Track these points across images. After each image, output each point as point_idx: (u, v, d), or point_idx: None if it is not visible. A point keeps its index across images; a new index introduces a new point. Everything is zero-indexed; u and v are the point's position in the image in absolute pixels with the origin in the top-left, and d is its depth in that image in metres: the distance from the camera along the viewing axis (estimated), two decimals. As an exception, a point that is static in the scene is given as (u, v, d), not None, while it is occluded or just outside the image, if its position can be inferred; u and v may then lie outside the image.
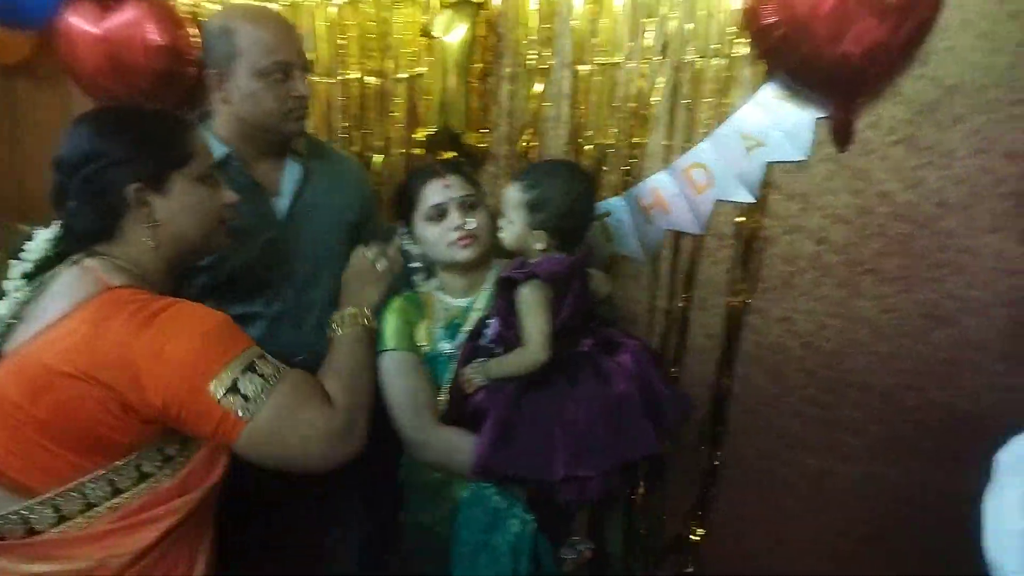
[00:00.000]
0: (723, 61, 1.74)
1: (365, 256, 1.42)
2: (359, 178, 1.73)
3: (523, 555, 1.43)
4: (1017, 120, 1.58)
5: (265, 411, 0.99)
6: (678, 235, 1.87)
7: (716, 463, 1.97)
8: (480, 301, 1.52)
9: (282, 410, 1.00)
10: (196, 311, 1.02)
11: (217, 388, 0.96)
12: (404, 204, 1.54)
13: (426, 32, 1.86)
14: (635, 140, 1.84)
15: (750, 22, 1.65)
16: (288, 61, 1.43)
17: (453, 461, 1.38)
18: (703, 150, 1.79)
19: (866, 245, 1.76)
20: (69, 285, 1.01)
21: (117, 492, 0.99)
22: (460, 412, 1.39)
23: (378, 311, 1.42)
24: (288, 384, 1.03)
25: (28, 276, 1.05)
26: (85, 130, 1.04)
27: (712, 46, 1.74)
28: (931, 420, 1.80)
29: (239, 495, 1.17)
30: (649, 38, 1.77)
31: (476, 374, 1.36)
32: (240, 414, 0.97)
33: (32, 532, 0.97)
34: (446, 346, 1.48)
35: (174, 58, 1.99)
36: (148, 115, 1.11)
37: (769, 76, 1.73)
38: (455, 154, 1.93)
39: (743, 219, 1.80)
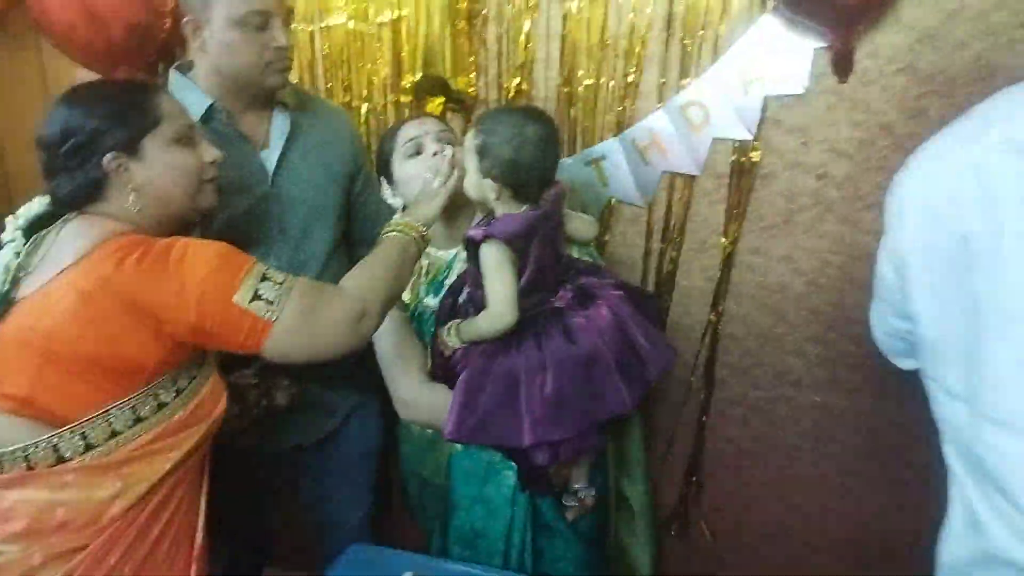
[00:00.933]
0: (718, -8, 1.68)
1: (424, 175, 1.41)
2: (349, 128, 1.67)
3: (519, 506, 1.44)
4: (1020, 44, 1.53)
5: (288, 309, 1.10)
6: (675, 176, 1.83)
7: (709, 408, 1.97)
8: (464, 253, 1.49)
9: (302, 305, 1.12)
10: (199, 241, 1.14)
11: (242, 298, 1.08)
12: (383, 156, 1.51)
13: (408, -28, 1.79)
14: (629, 79, 1.78)
15: (745, -51, 1.58)
16: (266, 10, 1.35)
17: (438, 422, 1.36)
18: (699, 87, 1.74)
19: (868, 179, 1.72)
20: (80, 230, 1.11)
21: (138, 420, 1.09)
22: (444, 370, 1.38)
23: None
24: (300, 285, 1.15)
25: (24, 232, 1.12)
26: (60, 109, 1.14)
27: (706, -24, 1.68)
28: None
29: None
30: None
31: (450, 337, 1.33)
32: (267, 316, 1.09)
33: (61, 460, 1.05)
34: (431, 301, 1.46)
35: (148, 9, 1.91)
36: (115, 87, 1.22)
37: (765, 7, 1.67)
38: (443, 100, 1.88)
39: (741, 157, 1.76)
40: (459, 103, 1.88)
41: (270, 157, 1.47)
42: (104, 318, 1.04)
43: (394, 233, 1.28)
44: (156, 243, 1.10)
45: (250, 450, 1.55)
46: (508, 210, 1.32)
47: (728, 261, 1.83)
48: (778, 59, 1.69)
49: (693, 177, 1.80)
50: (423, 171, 1.41)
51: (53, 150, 1.12)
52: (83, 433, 1.05)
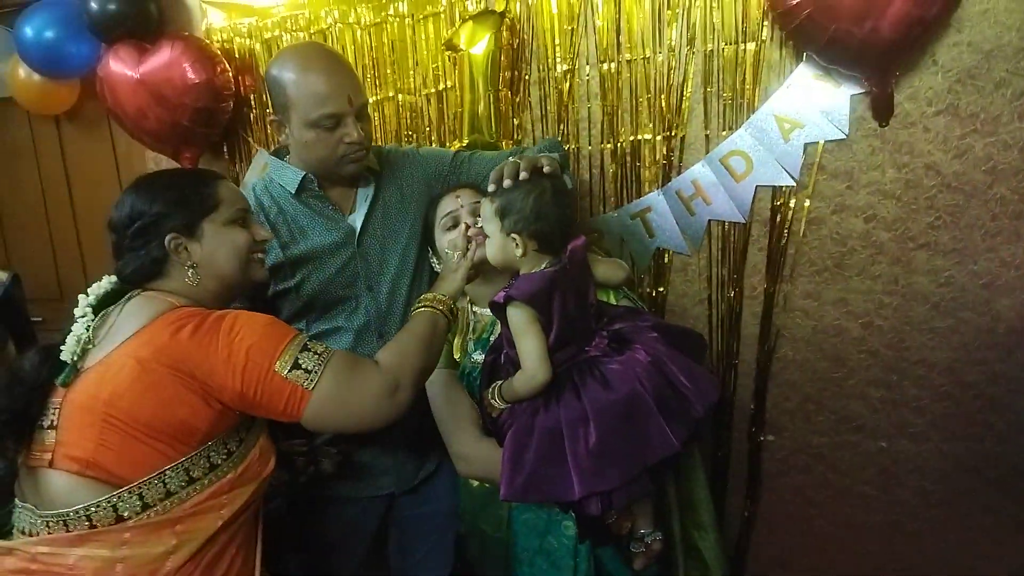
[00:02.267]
0: (752, 46, 1.73)
1: (447, 252, 1.48)
2: (415, 161, 1.68)
3: (581, 557, 1.42)
4: (1065, 78, 1.54)
5: (324, 380, 1.16)
6: (722, 224, 1.85)
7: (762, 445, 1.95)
8: None
9: (339, 376, 1.17)
10: (249, 313, 1.21)
11: (283, 367, 1.14)
12: (426, 228, 1.58)
13: (451, 46, 1.88)
14: (670, 133, 1.83)
15: (774, 4, 1.63)
16: (338, 112, 1.43)
17: (494, 475, 1.37)
18: (740, 137, 1.78)
19: (918, 219, 1.72)
20: (141, 306, 1.19)
21: (191, 481, 1.14)
22: (494, 429, 1.39)
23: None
24: (338, 357, 1.20)
25: (94, 309, 1.20)
26: (128, 195, 1.25)
27: (739, 32, 1.73)
28: (997, 393, 1.75)
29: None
30: (674, 30, 1.77)
31: (495, 399, 1.35)
32: (305, 385, 1.15)
33: (120, 519, 1.10)
34: (478, 357, 1.49)
35: (211, 94, 2.04)
36: (178, 175, 1.33)
37: (800, 57, 1.71)
38: (490, 163, 1.95)
39: (787, 202, 1.77)
40: (505, 165, 1.95)
41: (356, 221, 1.56)
42: (159, 384, 1.10)
43: (423, 309, 1.34)
44: (210, 315, 1.17)
45: (342, 497, 1.61)
46: (533, 266, 1.35)
47: (772, 306, 1.84)
48: (817, 107, 1.72)
49: (741, 224, 1.82)
50: (459, 242, 1.46)
51: (121, 232, 1.22)
52: (140, 493, 1.10)
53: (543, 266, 1.33)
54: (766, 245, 1.83)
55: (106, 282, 1.25)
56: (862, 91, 1.69)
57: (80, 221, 2.55)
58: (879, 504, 1.91)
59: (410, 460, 1.66)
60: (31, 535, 1.11)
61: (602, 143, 1.90)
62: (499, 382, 1.36)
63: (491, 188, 1.33)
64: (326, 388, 1.15)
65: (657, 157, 1.86)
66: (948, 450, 1.82)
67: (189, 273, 1.23)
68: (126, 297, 1.22)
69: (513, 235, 1.31)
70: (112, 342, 1.14)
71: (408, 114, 2.04)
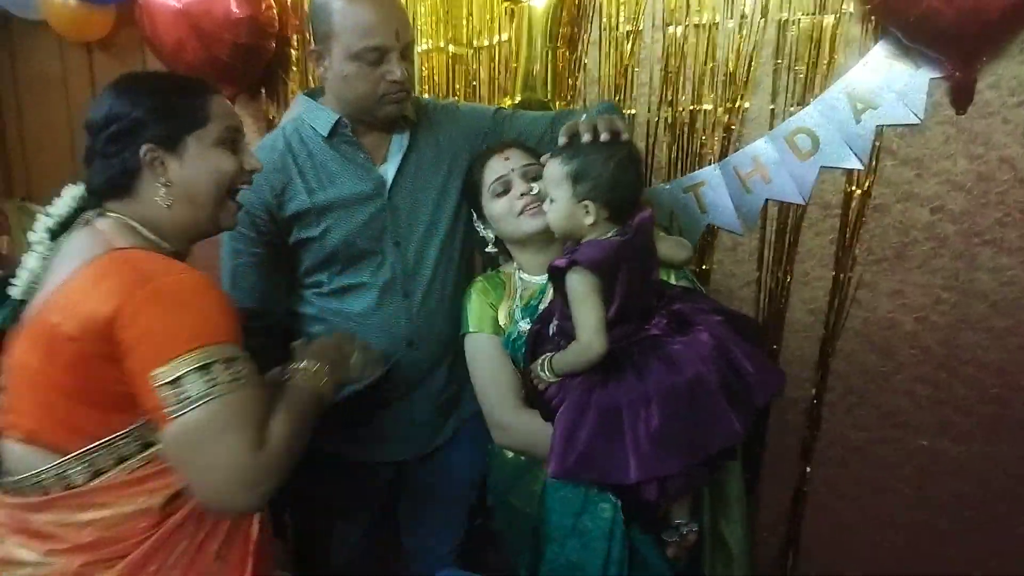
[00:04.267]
0: (831, 19, 1.64)
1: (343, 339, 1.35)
2: (456, 115, 1.60)
3: (616, 540, 1.37)
4: None
5: (193, 417, 0.93)
6: (779, 205, 1.78)
7: (814, 445, 1.89)
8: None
9: (212, 425, 0.94)
10: (188, 291, 1.00)
11: (161, 374, 0.93)
12: (471, 190, 1.50)
13: (511, -3, 1.79)
14: (733, 105, 1.75)
15: (864, -25, 1.55)
16: (382, 45, 1.35)
17: (533, 448, 1.34)
18: (808, 114, 1.70)
19: (985, 214, 1.65)
20: (78, 247, 1.05)
21: (147, 446, 1.03)
22: (539, 401, 1.33)
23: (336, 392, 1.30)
24: (233, 400, 0.96)
25: (52, 232, 1.10)
26: (108, 94, 1.09)
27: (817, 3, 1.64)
28: (1048, 398, 1.70)
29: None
30: (748, -3, 1.68)
31: (544, 372, 1.29)
32: (169, 410, 0.93)
33: (69, 487, 1.02)
34: (525, 326, 1.43)
35: (254, 30, 1.96)
36: (167, 79, 1.18)
37: (880, 34, 1.63)
38: (541, 124, 1.87)
39: (852, 187, 1.70)
40: (557, 127, 1.87)
41: (387, 172, 1.48)
42: (80, 356, 0.98)
43: (311, 384, 1.16)
44: (150, 267, 1.00)
45: (352, 461, 1.56)
46: (600, 235, 1.28)
47: (840, 294, 1.76)
48: (893, 88, 1.64)
49: (798, 206, 1.75)
50: (510, 211, 1.40)
51: (95, 135, 1.08)
52: (89, 461, 1.01)
53: (609, 235, 1.26)
54: (823, 229, 1.76)
55: (69, 198, 1.12)
56: (942, 75, 1.60)
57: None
58: (913, 503, 1.86)
59: (427, 427, 1.60)
60: None
61: (659, 111, 1.82)
62: (548, 354, 1.30)
63: (562, 141, 1.25)
64: (188, 428, 0.93)
65: (716, 129, 1.78)
66: (991, 453, 1.77)
67: (161, 192, 1.07)
68: (82, 220, 1.10)
69: (586, 202, 1.23)
70: (48, 287, 1.03)
71: (458, 67, 1.95)
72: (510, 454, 1.46)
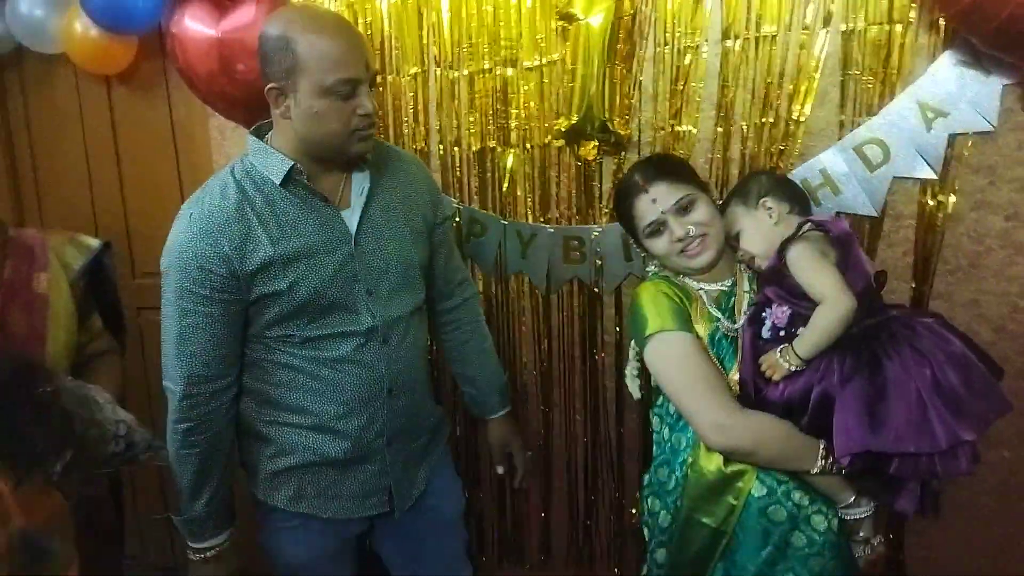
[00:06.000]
0: (899, 28, 1.61)
1: None
2: (427, 177, 1.59)
3: (829, 557, 1.32)
4: None
5: None
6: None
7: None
8: (745, 283, 1.42)
9: None
10: None
11: None
12: (625, 224, 1.46)
13: (566, 16, 1.75)
14: (795, 119, 1.71)
15: (937, -17, 1.52)
16: (355, 78, 1.27)
17: (761, 447, 1.27)
18: (878, 124, 1.66)
19: (1061, 219, 1.63)
20: None
21: None
22: (760, 405, 1.29)
23: None
24: None
25: None
26: None
27: (884, 12, 1.61)
28: None
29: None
30: (810, 7, 1.65)
31: (788, 359, 1.24)
32: None
33: None
34: (728, 323, 1.38)
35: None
36: None
37: (950, 42, 1.60)
38: (596, 143, 1.82)
39: (926, 197, 1.67)
40: (615, 146, 1.82)
41: (351, 217, 1.40)
42: None
43: None
44: None
45: (316, 517, 1.49)
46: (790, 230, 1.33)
47: (918, 307, 1.72)
48: (964, 95, 1.61)
49: (871, 218, 1.71)
50: (671, 252, 1.38)
51: None
52: None
53: None
54: (896, 240, 1.72)
55: None
56: (1014, 81, 1.58)
57: (128, 193, 2.37)
58: (995, 516, 1.81)
59: (409, 476, 1.55)
60: None
61: (718, 126, 1.77)
62: (783, 345, 1.26)
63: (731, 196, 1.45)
64: None
65: (780, 143, 1.74)
66: (1075, 463, 1.74)
67: None
68: None
69: (762, 200, 1.36)
70: None
71: (506, 90, 1.90)
72: (712, 467, 1.35)
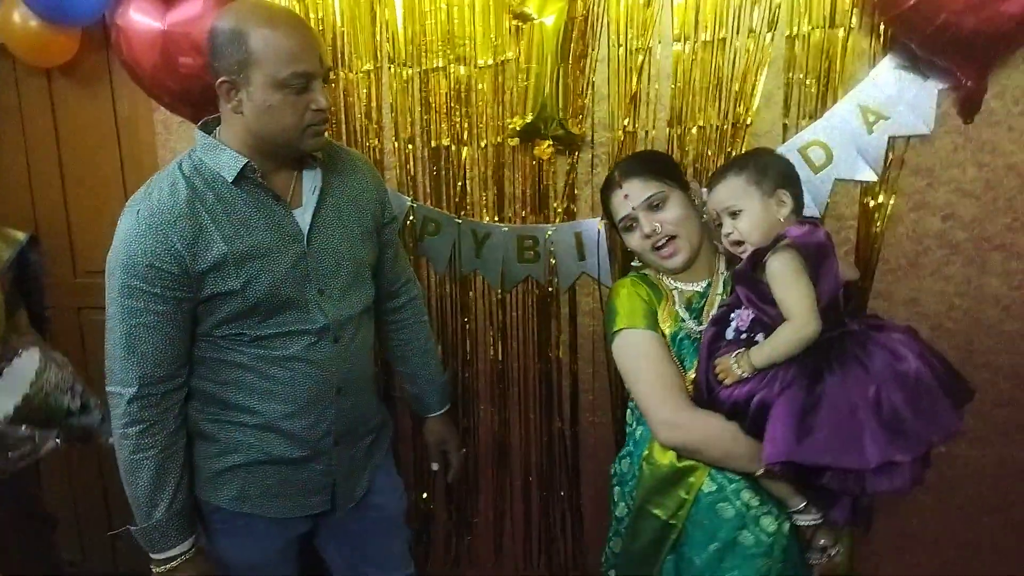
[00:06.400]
0: (840, 32, 1.66)
1: None
2: (375, 177, 1.59)
3: (775, 559, 1.32)
4: None
5: None
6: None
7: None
8: (720, 286, 1.42)
9: None
10: None
11: None
12: (608, 216, 1.50)
13: (520, 15, 1.75)
14: (744, 121, 1.75)
15: (878, -11, 1.57)
16: (310, 71, 1.26)
17: (708, 446, 1.30)
18: (821, 127, 1.71)
19: (995, 220, 1.70)
20: None
21: None
22: (709, 399, 1.30)
23: None
24: None
25: None
26: None
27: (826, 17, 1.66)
28: (1064, 400, 1.74)
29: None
30: (756, 11, 1.69)
31: (740, 366, 1.25)
32: None
33: None
34: (693, 324, 1.39)
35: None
36: None
37: (890, 46, 1.66)
38: (550, 142, 1.83)
39: (866, 198, 1.72)
40: (568, 145, 1.83)
41: (303, 216, 1.38)
42: None
43: None
44: None
45: (257, 516, 1.46)
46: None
47: (859, 304, 1.77)
48: (903, 99, 1.67)
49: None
50: (643, 248, 1.41)
51: None
52: None
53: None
54: (838, 241, 1.76)
55: None
56: (949, 86, 1.64)
57: (69, 190, 2.30)
58: (930, 508, 1.87)
59: (353, 475, 1.54)
60: None
61: (670, 127, 1.80)
62: (740, 350, 1.27)
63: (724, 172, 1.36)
64: None
65: (728, 145, 1.77)
66: (1007, 455, 1.80)
67: None
68: None
69: (779, 191, 1.30)
70: None
71: (460, 88, 1.90)
72: (665, 461, 1.37)
